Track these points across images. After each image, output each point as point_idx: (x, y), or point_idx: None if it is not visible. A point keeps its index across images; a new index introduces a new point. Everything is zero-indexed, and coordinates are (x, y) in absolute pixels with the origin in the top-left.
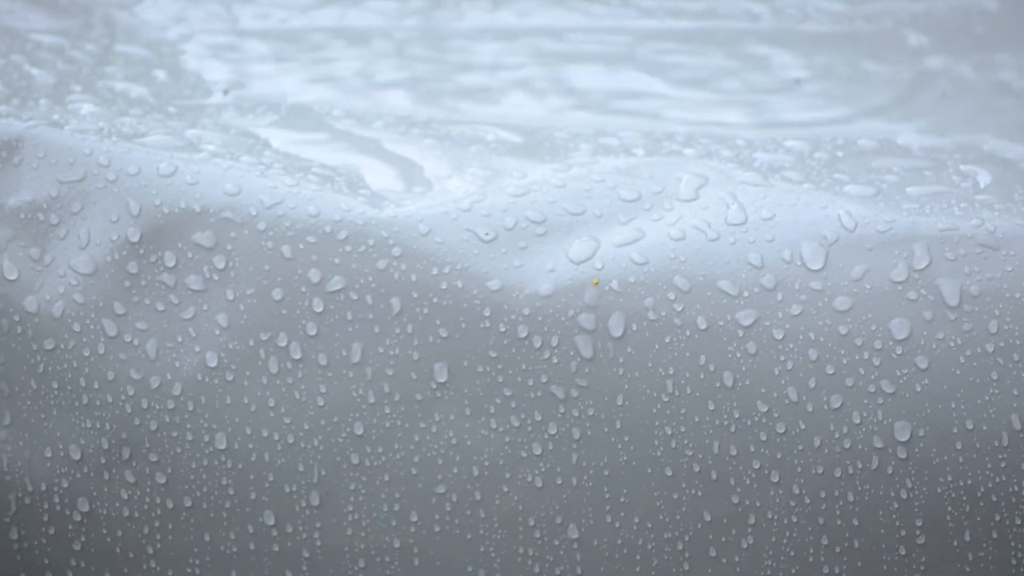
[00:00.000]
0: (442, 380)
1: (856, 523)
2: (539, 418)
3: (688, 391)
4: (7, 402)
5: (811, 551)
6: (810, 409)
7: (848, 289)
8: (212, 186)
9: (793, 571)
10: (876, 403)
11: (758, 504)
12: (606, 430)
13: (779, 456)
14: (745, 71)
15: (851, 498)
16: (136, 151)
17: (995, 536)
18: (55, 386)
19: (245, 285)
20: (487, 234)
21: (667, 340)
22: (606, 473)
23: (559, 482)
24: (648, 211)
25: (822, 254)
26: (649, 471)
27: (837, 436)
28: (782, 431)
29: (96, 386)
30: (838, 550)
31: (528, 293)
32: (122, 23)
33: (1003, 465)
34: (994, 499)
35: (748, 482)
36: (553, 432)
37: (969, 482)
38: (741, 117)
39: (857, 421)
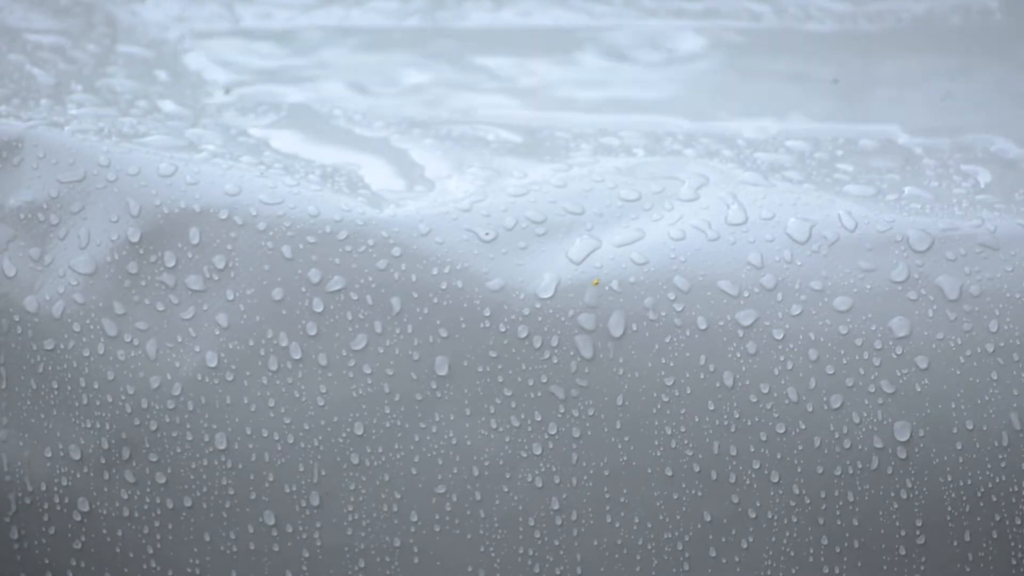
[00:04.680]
0: (442, 380)
1: (856, 523)
2: (539, 418)
3: (688, 391)
4: (7, 402)
5: (811, 551)
6: (810, 409)
7: (848, 289)
8: (212, 186)
9: (793, 571)
10: (876, 403)
11: (758, 504)
12: (606, 430)
13: (779, 456)
14: (747, 70)
15: (851, 498)
16: (136, 151)
17: (995, 536)
18: (55, 386)
19: (245, 285)
20: (487, 234)
21: (667, 340)
22: (606, 473)
23: (559, 482)
24: (648, 211)
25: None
26: (649, 471)
27: (837, 436)
28: (782, 431)
29: (96, 386)
30: (838, 550)
31: (528, 293)
32: (123, 23)
33: (1003, 465)
34: (994, 499)
35: (748, 482)
36: (553, 432)
37: (969, 482)
38: (742, 116)
39: (857, 421)
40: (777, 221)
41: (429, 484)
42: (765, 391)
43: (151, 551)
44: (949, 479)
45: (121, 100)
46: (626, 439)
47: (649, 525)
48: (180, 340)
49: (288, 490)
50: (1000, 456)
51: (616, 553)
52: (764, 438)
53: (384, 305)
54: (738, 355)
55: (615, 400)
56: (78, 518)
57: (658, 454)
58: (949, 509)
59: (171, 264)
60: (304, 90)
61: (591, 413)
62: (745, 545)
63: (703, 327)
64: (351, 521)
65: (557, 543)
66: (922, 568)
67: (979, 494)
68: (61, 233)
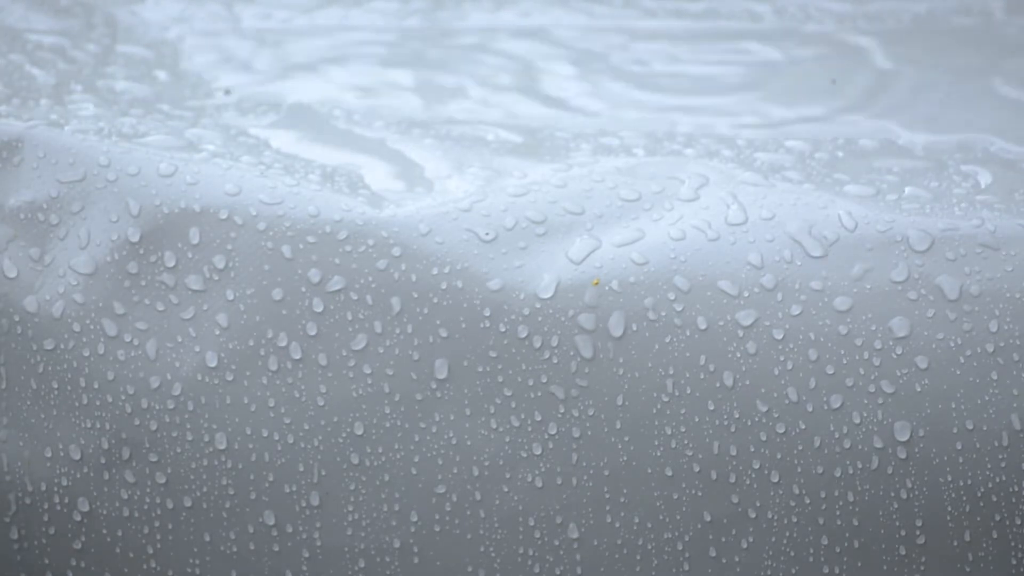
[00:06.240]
0: (442, 380)
1: (856, 523)
2: (539, 418)
3: (688, 391)
4: (7, 402)
5: (811, 551)
6: (810, 409)
7: (848, 289)
8: (212, 186)
9: (793, 571)
10: (876, 403)
11: (758, 504)
12: (606, 430)
13: (779, 456)
14: (746, 70)
15: (851, 498)
16: (136, 151)
17: (995, 536)
18: (55, 386)
19: (245, 285)
20: (487, 234)
21: (667, 340)
22: (606, 473)
23: (559, 482)
24: (648, 211)
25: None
26: (649, 471)
27: (837, 436)
28: (782, 431)
29: (96, 386)
30: (838, 550)
31: (528, 293)
32: (123, 23)
33: (1003, 465)
34: (994, 499)
35: (748, 482)
36: (553, 432)
37: (969, 482)
38: (742, 116)
39: (857, 421)
40: (777, 221)
41: (429, 484)
42: (765, 391)
43: (151, 551)
44: (949, 479)
45: (121, 100)
46: (626, 439)
47: (649, 525)
48: (180, 340)
49: (288, 490)
50: (1000, 456)
51: (616, 553)
52: (764, 438)
53: (384, 305)
54: (738, 355)
55: (615, 400)
56: (78, 518)
57: (658, 454)
58: (949, 509)
59: (171, 264)
60: (304, 90)
61: (591, 413)
62: (745, 545)
63: (703, 327)
64: (351, 521)
65: (557, 543)
66: (922, 568)
67: (979, 494)
68: (61, 233)
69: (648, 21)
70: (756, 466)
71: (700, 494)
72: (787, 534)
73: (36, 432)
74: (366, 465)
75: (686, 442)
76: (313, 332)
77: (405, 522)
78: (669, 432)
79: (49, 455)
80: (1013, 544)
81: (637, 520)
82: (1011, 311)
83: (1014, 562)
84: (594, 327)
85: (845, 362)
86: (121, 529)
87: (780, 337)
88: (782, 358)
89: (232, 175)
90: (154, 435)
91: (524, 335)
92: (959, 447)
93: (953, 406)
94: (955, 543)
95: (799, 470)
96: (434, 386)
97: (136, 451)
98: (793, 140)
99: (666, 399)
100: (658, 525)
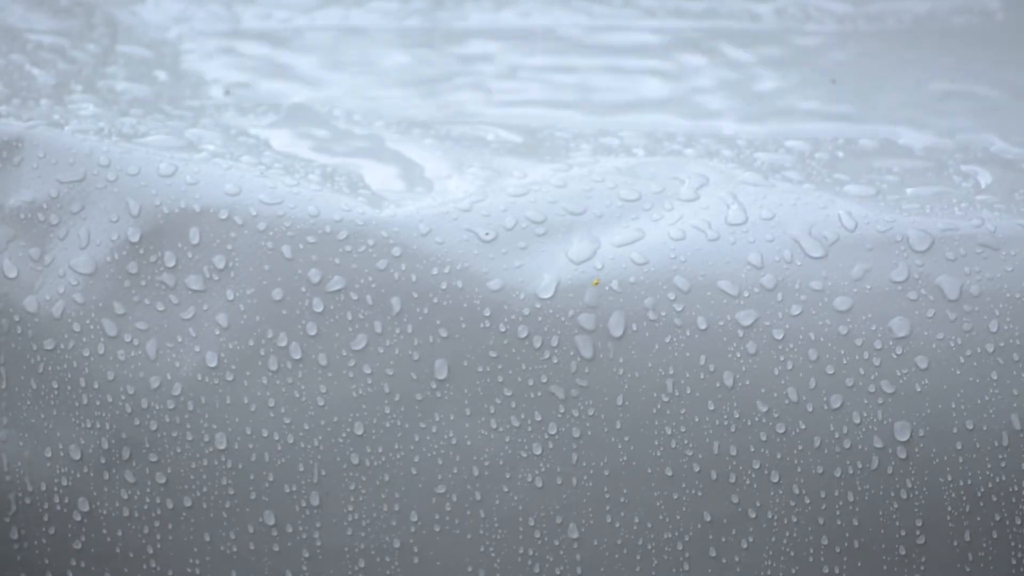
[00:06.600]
0: (442, 380)
1: (856, 523)
2: (539, 418)
3: (688, 391)
4: (7, 402)
5: (811, 551)
6: (810, 409)
7: (848, 289)
8: (212, 186)
9: (793, 571)
10: (876, 403)
11: (758, 504)
12: (606, 430)
13: (779, 456)
14: (746, 70)
15: (851, 498)
16: (136, 151)
17: (995, 536)
18: (55, 386)
19: (245, 285)
20: (487, 234)
21: (667, 340)
22: (606, 473)
23: (559, 482)
24: (648, 211)
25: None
26: (649, 471)
27: (837, 436)
28: (782, 431)
29: (96, 386)
30: (838, 550)
31: (528, 293)
32: (123, 23)
33: (1003, 465)
34: (994, 499)
35: (748, 482)
36: (553, 432)
37: (969, 482)
38: (742, 116)
39: (857, 421)
40: (777, 221)
41: (429, 484)
42: (765, 391)
43: (151, 551)
44: (949, 479)
45: (121, 100)
46: (626, 439)
47: (649, 525)
48: (180, 340)
49: (288, 490)
50: (1000, 456)
51: (616, 553)
52: (764, 438)
53: (384, 305)
54: (738, 355)
55: (615, 400)
56: (78, 518)
57: (658, 454)
58: (949, 509)
59: (171, 264)
60: (304, 90)
61: (591, 413)
62: (745, 545)
63: (703, 327)
64: (351, 521)
65: (557, 543)
66: (922, 568)
67: (979, 494)
68: (61, 233)
69: (648, 21)
70: (756, 466)
71: (700, 494)
72: (787, 534)
73: (36, 432)
74: (366, 465)
75: (686, 442)
76: (313, 332)
77: (405, 522)
78: (669, 432)
79: (49, 455)
80: (1013, 544)
81: (637, 520)
82: (1011, 311)
83: (1014, 562)
84: (594, 327)
85: (845, 362)
86: (121, 529)
87: (780, 337)
88: (782, 358)
89: (232, 175)
90: (154, 435)
91: (524, 335)
92: (959, 447)
93: (953, 406)
94: (955, 543)
95: (799, 470)
96: (434, 386)
97: (136, 451)
98: (793, 140)
99: (666, 399)
100: (658, 525)
